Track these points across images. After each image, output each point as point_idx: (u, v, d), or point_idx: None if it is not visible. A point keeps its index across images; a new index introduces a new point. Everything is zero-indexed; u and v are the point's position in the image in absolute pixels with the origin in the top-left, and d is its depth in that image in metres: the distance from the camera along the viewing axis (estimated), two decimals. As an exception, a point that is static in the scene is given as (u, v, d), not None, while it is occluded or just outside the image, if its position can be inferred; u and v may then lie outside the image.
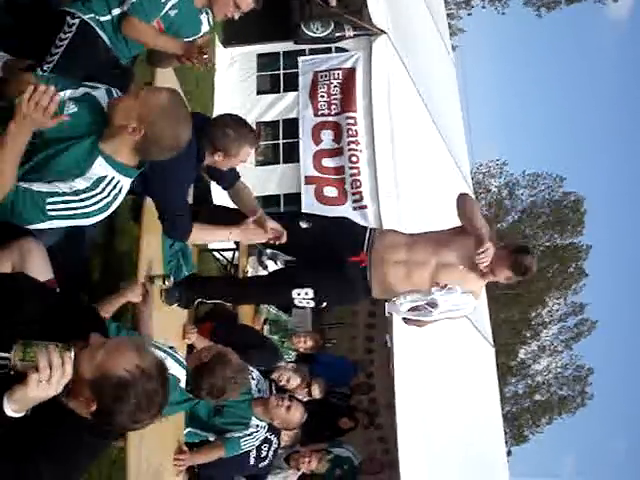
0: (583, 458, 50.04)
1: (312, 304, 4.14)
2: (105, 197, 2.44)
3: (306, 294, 4.05)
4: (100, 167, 2.43)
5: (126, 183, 2.52)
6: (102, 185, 2.42)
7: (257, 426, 4.50)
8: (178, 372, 3.42)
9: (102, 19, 3.33)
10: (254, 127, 7.71)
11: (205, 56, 3.57)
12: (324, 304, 4.24)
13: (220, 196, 4.41)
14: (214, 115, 7.78)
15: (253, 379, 4.70)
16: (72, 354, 1.85)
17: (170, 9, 3.41)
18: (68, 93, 2.57)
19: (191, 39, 3.64)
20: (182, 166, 3.45)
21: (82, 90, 2.60)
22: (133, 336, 2.20)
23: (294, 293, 4.06)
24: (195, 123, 3.45)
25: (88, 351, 1.93)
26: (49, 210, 2.31)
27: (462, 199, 4.14)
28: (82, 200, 2.37)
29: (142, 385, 1.92)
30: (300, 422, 4.79)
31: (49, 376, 1.80)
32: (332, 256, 4.05)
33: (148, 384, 1.94)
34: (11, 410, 1.83)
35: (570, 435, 47.79)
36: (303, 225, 4.12)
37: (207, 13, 3.65)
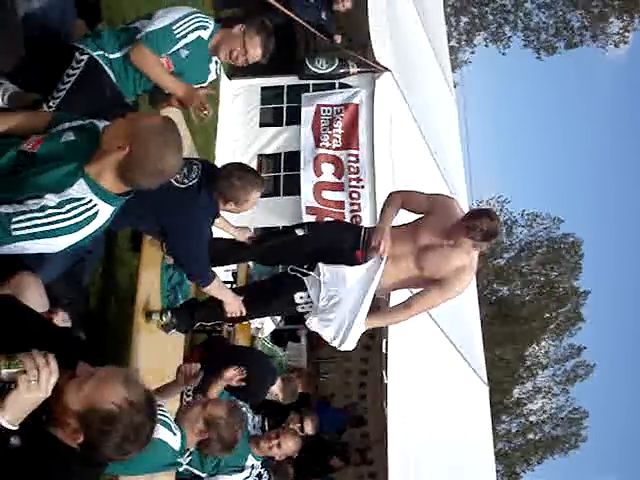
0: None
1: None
2: (73, 217, 2.32)
3: (308, 297, 4.09)
4: (79, 188, 2.34)
5: (105, 209, 2.40)
6: (73, 205, 2.32)
7: (252, 466, 4.54)
8: (167, 436, 3.33)
9: (111, 56, 3.36)
10: (256, 160, 7.86)
11: (205, 112, 3.64)
12: None
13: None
14: (217, 146, 7.93)
15: (247, 412, 4.74)
16: (53, 355, 1.87)
17: (182, 48, 3.42)
18: (74, 123, 2.54)
19: (196, 86, 3.70)
20: (205, 225, 3.64)
21: (87, 121, 2.57)
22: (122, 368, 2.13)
23: (297, 297, 4.14)
24: (207, 174, 3.59)
25: (76, 382, 1.93)
26: (14, 230, 2.24)
27: (387, 197, 4.41)
28: (47, 216, 2.27)
29: (130, 418, 1.92)
30: (297, 447, 4.89)
31: (37, 376, 1.82)
32: (330, 258, 4.14)
33: (136, 417, 1.94)
34: (5, 421, 1.83)
35: (561, 474, 47.32)
36: (299, 233, 4.20)
37: (216, 63, 3.69)
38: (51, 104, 3.21)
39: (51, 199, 2.28)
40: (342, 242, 4.23)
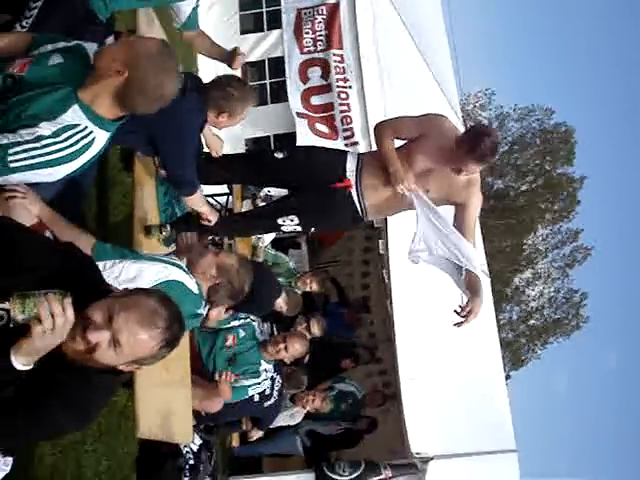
0: (576, 376, 51.70)
1: (300, 228, 4.20)
2: (70, 146, 2.27)
3: (291, 220, 4.10)
4: (73, 114, 2.29)
5: (101, 136, 2.37)
6: (69, 133, 2.27)
7: (265, 371, 4.71)
8: (182, 277, 3.27)
9: None
10: (240, 69, 7.70)
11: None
12: (312, 228, 4.30)
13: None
14: (199, 58, 7.73)
15: (254, 321, 4.83)
16: (70, 299, 1.83)
17: None
18: (59, 45, 2.47)
19: None
20: (193, 129, 3.58)
21: (73, 43, 2.50)
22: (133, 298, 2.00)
23: (279, 221, 4.12)
24: (192, 82, 3.53)
25: (105, 347, 1.89)
26: (10, 162, 2.20)
27: (375, 130, 4.17)
28: (44, 147, 2.22)
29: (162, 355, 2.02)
30: (304, 349, 5.03)
31: (52, 325, 1.79)
32: (313, 183, 4.07)
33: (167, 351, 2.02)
34: (20, 364, 1.83)
35: (564, 355, 49.01)
36: (279, 155, 4.14)
37: None
38: (24, 24, 3.10)
39: (46, 128, 2.24)
40: (325, 169, 4.10)
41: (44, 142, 2.22)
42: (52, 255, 2.06)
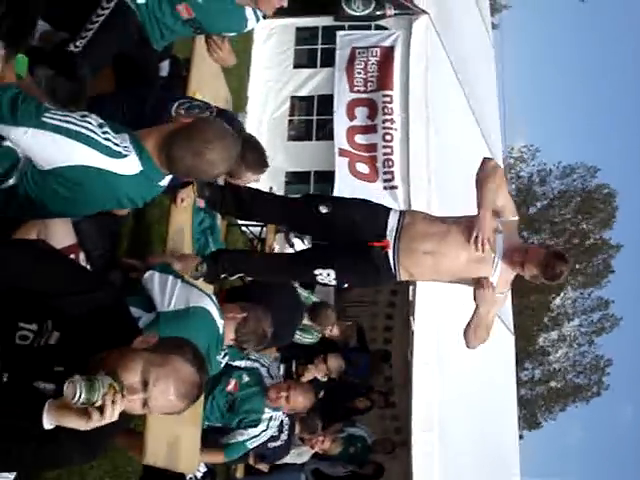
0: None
1: (334, 283, 4.11)
2: (104, 140, 2.22)
3: (328, 275, 4.03)
4: (120, 137, 2.28)
5: (133, 163, 2.31)
6: (110, 134, 2.24)
7: (270, 419, 4.49)
8: (215, 315, 3.29)
9: (138, 1, 3.31)
10: (289, 102, 7.76)
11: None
12: (346, 285, 4.26)
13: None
14: (250, 88, 7.85)
15: (263, 366, 4.63)
16: (122, 394, 1.81)
17: None
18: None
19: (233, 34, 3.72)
20: None
21: None
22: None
23: (316, 272, 4.03)
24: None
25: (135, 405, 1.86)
26: (45, 117, 2.15)
27: (483, 164, 3.94)
28: (84, 122, 2.20)
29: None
30: (306, 404, 4.68)
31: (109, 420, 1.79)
32: (354, 240, 3.98)
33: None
34: (48, 424, 1.82)
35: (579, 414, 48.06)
36: (323, 210, 4.06)
37: (254, 10, 3.57)
38: (78, 44, 3.17)
39: (95, 118, 2.25)
40: (367, 227, 3.97)
41: (87, 120, 2.22)
42: (84, 287, 2.05)
